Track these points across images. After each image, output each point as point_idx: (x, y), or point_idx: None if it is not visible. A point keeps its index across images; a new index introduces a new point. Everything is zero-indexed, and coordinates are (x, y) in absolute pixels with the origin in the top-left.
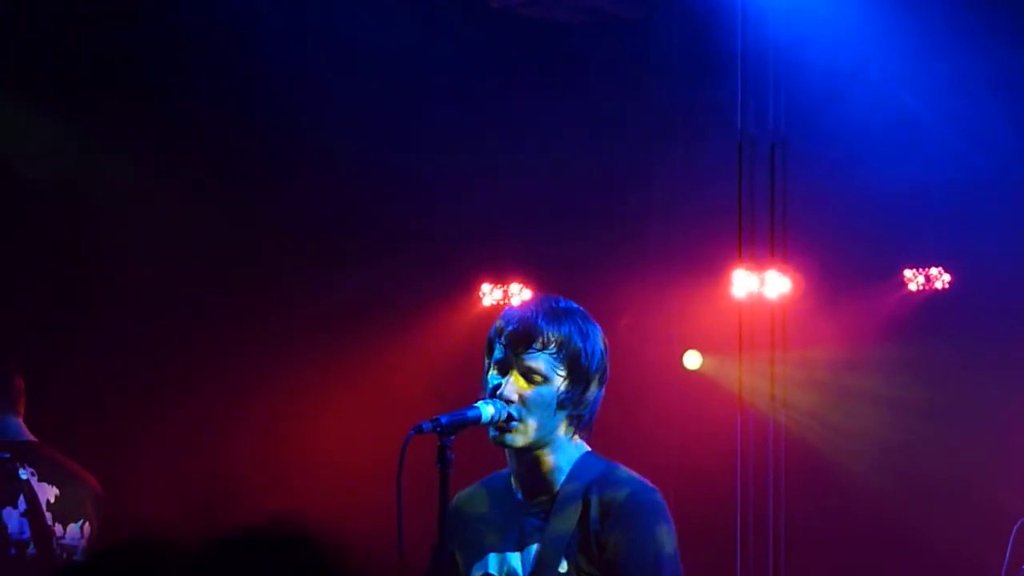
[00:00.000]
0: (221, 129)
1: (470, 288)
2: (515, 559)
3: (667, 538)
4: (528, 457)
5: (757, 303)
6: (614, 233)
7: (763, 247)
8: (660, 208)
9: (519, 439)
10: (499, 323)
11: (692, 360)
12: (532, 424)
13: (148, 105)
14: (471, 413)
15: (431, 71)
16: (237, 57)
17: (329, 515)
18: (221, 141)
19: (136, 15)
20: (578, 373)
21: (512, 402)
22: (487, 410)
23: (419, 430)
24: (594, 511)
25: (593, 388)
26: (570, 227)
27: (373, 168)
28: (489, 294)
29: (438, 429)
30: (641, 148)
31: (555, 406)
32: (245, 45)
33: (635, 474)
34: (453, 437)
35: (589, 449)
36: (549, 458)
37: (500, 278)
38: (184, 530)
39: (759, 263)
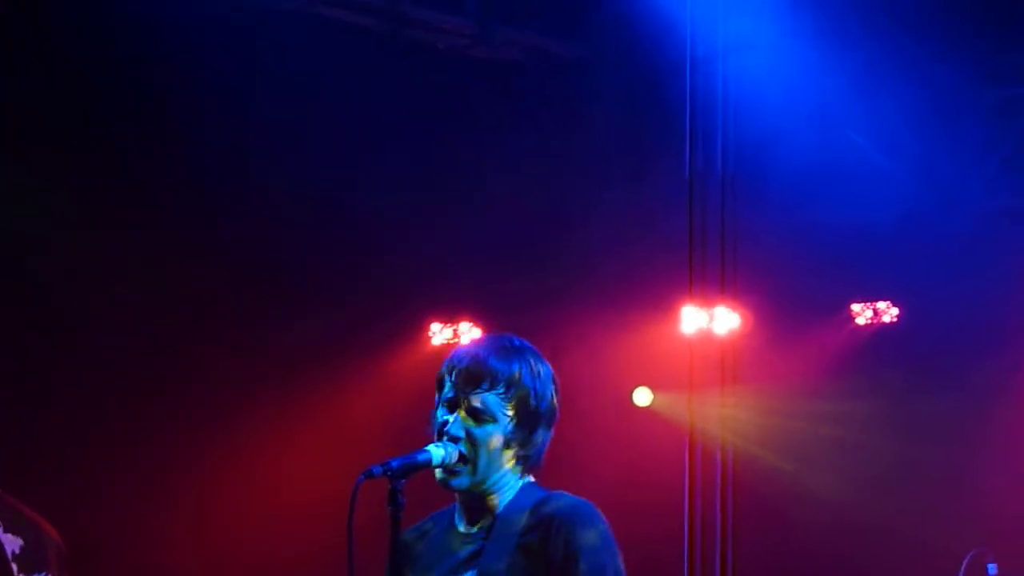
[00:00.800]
0: (172, 178)
1: (420, 328)
2: None
3: (612, 554)
4: (474, 495)
5: (706, 339)
6: (563, 270)
7: (712, 283)
8: (609, 245)
9: (465, 480)
10: (450, 360)
11: (642, 397)
12: (478, 463)
13: (105, 155)
14: (421, 457)
15: (378, 113)
16: (187, 109)
17: (285, 556)
18: (173, 190)
19: (84, 65)
20: (526, 414)
21: (459, 439)
22: (437, 453)
23: (369, 475)
24: (537, 531)
25: (541, 429)
26: (519, 265)
27: (322, 211)
28: (439, 333)
29: (388, 473)
30: (589, 185)
31: (502, 446)
32: (195, 96)
33: (575, 496)
34: (404, 480)
35: (532, 480)
36: (494, 496)
37: (450, 317)
38: None
39: (708, 299)
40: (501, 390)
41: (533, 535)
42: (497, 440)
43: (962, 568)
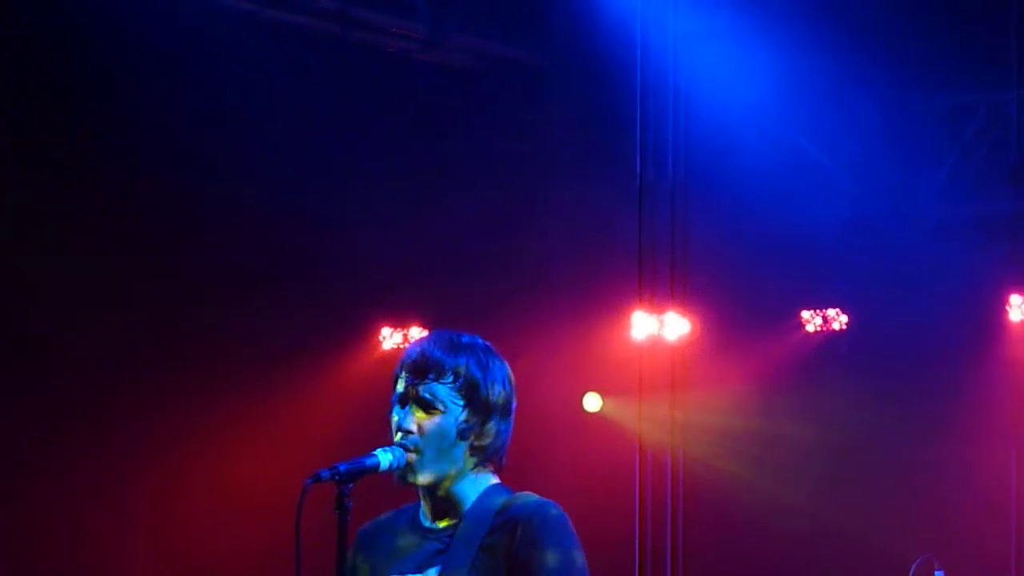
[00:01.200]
0: (128, 180)
1: (370, 332)
2: None
3: (577, 552)
4: (434, 491)
5: (656, 345)
6: (513, 276)
7: (662, 289)
8: (559, 251)
9: (421, 475)
10: (401, 359)
11: (592, 402)
12: (432, 456)
13: (60, 152)
14: (369, 461)
15: (329, 117)
16: (134, 107)
17: (239, 556)
18: (128, 193)
19: (36, 69)
20: (477, 403)
21: (410, 432)
22: (385, 458)
23: (317, 479)
24: (503, 532)
25: (495, 419)
26: (470, 270)
27: (274, 217)
28: (389, 338)
29: (336, 477)
30: (540, 191)
31: (455, 436)
32: (142, 96)
33: (543, 498)
34: (352, 485)
35: (498, 481)
36: (454, 487)
37: (400, 322)
38: None
39: (658, 305)
40: (449, 379)
41: (498, 535)
42: (449, 431)
43: (910, 573)
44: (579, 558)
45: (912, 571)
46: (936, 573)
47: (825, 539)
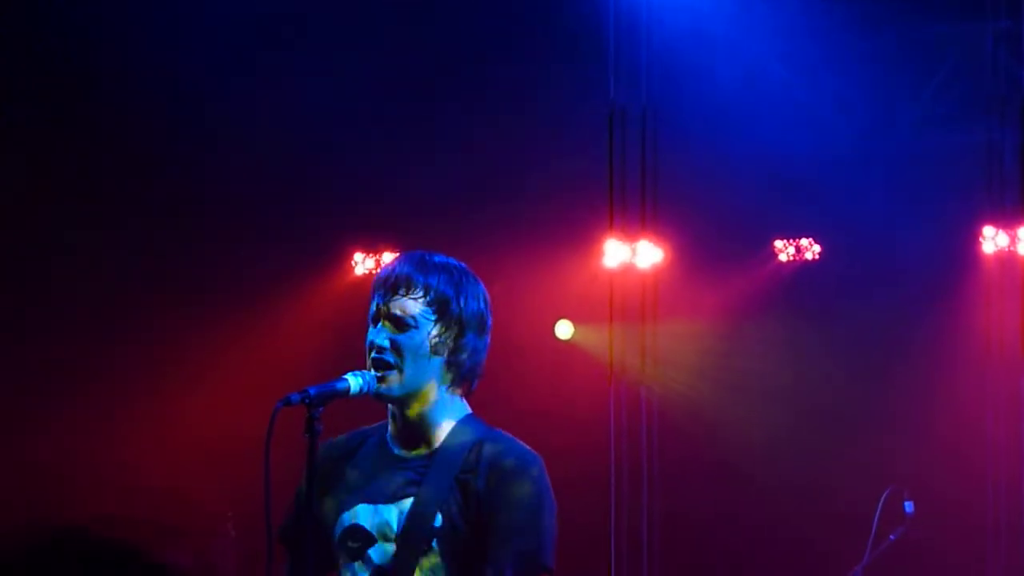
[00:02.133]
0: (109, 108)
1: (342, 258)
2: (388, 512)
3: (549, 505)
4: (406, 409)
5: (628, 273)
6: (485, 203)
7: (634, 217)
8: (531, 178)
9: (395, 388)
10: (375, 279)
11: (563, 330)
12: (406, 371)
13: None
14: (339, 385)
15: (301, 39)
16: (113, 35)
17: (209, 485)
18: (110, 121)
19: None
20: (449, 318)
21: (384, 349)
22: (355, 382)
23: (287, 402)
24: (475, 469)
25: (469, 335)
26: (441, 197)
27: (247, 141)
28: (361, 263)
29: (306, 401)
30: (513, 119)
31: (428, 351)
32: (123, 14)
33: (518, 440)
34: (322, 408)
35: (471, 412)
36: (428, 410)
37: (372, 247)
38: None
39: (630, 233)
40: (420, 294)
41: (471, 476)
42: (422, 345)
43: (879, 505)
44: (547, 516)
45: (881, 502)
46: (905, 504)
47: (794, 467)
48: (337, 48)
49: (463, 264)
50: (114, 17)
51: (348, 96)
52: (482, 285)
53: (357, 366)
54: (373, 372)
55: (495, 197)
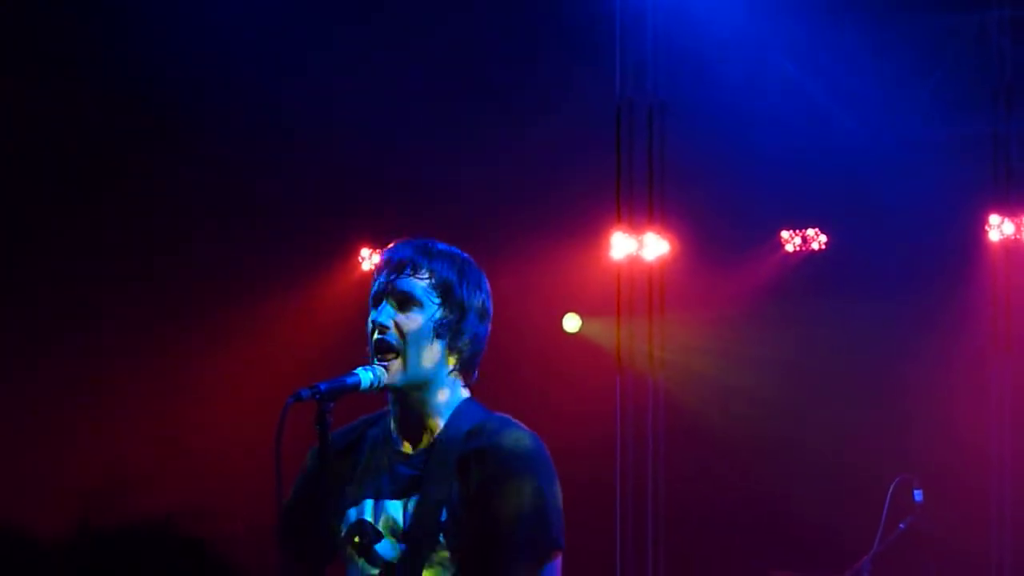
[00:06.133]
0: (111, 94)
1: (350, 253)
2: (394, 508)
3: (554, 491)
4: (408, 398)
5: (635, 265)
6: (493, 196)
7: (641, 210)
8: (539, 172)
9: (398, 377)
10: (378, 262)
11: (571, 323)
12: (409, 356)
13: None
14: (350, 380)
15: (311, 27)
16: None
17: (219, 479)
18: (110, 107)
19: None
20: (453, 301)
21: (388, 329)
22: (366, 376)
23: (298, 398)
24: (476, 460)
25: (472, 318)
26: (450, 191)
27: (257, 131)
28: (368, 259)
29: (317, 396)
30: (520, 111)
31: (432, 334)
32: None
33: (518, 422)
34: (332, 404)
35: (470, 396)
36: (429, 398)
37: (380, 242)
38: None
39: (637, 226)
40: (425, 275)
41: (470, 465)
42: (426, 327)
43: (888, 494)
44: (551, 493)
45: (890, 491)
46: (915, 492)
47: (802, 459)
48: (345, 44)
49: (465, 253)
50: (115, 9)
51: (355, 91)
52: (483, 274)
53: (366, 359)
54: (376, 359)
55: (503, 191)
